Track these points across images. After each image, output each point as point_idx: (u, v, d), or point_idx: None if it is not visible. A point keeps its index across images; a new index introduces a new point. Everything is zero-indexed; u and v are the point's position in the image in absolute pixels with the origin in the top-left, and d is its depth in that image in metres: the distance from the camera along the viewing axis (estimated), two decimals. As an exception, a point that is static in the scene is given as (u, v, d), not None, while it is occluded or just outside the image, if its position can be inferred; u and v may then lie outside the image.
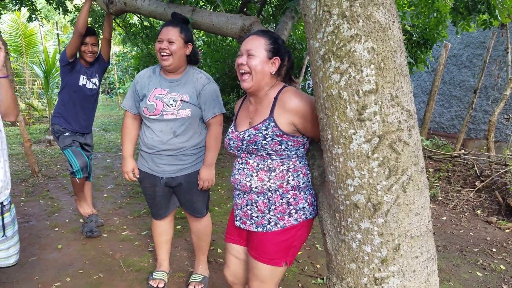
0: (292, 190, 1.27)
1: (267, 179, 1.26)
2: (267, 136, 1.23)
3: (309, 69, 5.74)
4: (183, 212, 3.07)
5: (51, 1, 4.35)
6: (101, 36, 2.82)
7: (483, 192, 3.69)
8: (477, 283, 2.27)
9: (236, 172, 1.35)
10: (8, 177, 1.49)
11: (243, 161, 1.32)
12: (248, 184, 1.29)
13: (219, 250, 2.56)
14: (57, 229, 2.85)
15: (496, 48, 5.31)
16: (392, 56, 0.91)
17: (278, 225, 1.28)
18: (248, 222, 1.33)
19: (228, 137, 1.36)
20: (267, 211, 1.28)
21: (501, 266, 2.48)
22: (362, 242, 1.01)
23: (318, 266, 2.39)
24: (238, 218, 1.39)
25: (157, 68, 1.86)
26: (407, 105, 0.94)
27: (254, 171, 1.28)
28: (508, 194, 3.38)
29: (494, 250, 2.71)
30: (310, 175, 1.32)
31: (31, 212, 3.17)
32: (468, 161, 4.26)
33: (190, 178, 1.87)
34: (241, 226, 1.37)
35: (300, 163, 1.29)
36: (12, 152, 5.47)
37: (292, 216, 1.27)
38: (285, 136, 1.23)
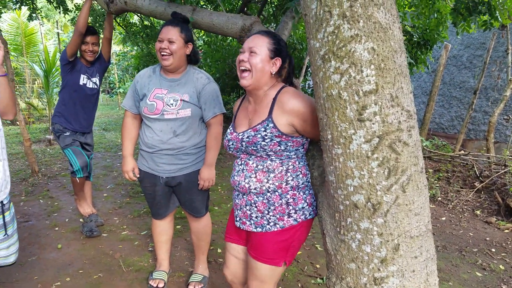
0: (291, 190, 1.27)
1: (265, 180, 1.26)
2: (266, 137, 1.23)
3: (309, 69, 5.74)
4: (183, 212, 3.08)
5: (51, 0, 4.35)
6: (101, 36, 2.82)
7: (482, 193, 3.70)
8: (477, 283, 2.27)
9: (236, 174, 1.35)
10: (7, 176, 1.50)
11: (243, 162, 1.32)
12: (247, 185, 1.29)
13: (219, 250, 2.56)
14: (57, 228, 2.85)
15: (496, 49, 5.31)
16: (392, 57, 0.91)
17: (278, 225, 1.28)
18: (248, 223, 1.33)
19: (227, 138, 1.36)
20: (266, 212, 1.28)
21: (500, 266, 2.48)
22: (361, 242, 1.01)
23: (317, 266, 2.39)
24: (238, 219, 1.39)
25: (157, 68, 1.86)
26: (407, 106, 0.95)
27: (253, 172, 1.28)
28: (508, 194, 3.38)
29: (493, 250, 2.72)
30: (309, 175, 1.32)
31: (31, 212, 3.17)
32: (468, 162, 4.26)
33: (190, 177, 1.87)
34: (241, 226, 1.37)
35: (299, 163, 1.29)
36: (12, 152, 5.47)
37: (292, 217, 1.27)
38: (284, 136, 1.23)
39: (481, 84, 4.81)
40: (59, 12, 4.49)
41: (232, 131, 1.37)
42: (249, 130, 1.27)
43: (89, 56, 2.56)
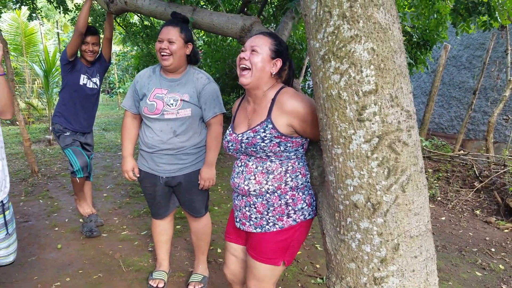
0: (290, 191, 1.27)
1: (265, 182, 1.27)
2: (265, 138, 1.23)
3: (309, 69, 5.74)
4: (182, 212, 3.08)
5: (51, 0, 4.35)
6: (102, 36, 2.82)
7: (482, 193, 3.70)
8: (476, 282, 2.28)
9: (236, 176, 1.35)
10: (6, 175, 1.50)
11: (242, 163, 1.33)
12: (246, 188, 1.30)
13: (219, 250, 2.56)
14: (56, 228, 2.85)
15: (495, 50, 5.32)
16: (392, 57, 0.92)
17: (277, 226, 1.28)
18: (248, 224, 1.34)
19: (226, 139, 1.36)
20: (265, 213, 1.29)
21: (500, 266, 2.48)
22: (361, 242, 1.01)
23: (317, 265, 2.40)
24: (237, 220, 1.39)
25: (157, 68, 1.86)
26: (406, 106, 0.95)
27: (252, 174, 1.28)
28: (507, 194, 3.38)
29: (493, 250, 2.72)
30: (309, 175, 1.32)
31: (30, 212, 3.17)
32: (467, 162, 4.27)
33: (190, 177, 1.87)
34: (241, 227, 1.38)
35: (298, 164, 1.29)
36: (12, 152, 5.47)
37: (291, 217, 1.27)
38: (283, 137, 1.23)
39: (480, 84, 4.81)
40: (59, 12, 4.49)
41: (231, 132, 1.36)
42: (249, 131, 1.27)
43: (89, 56, 2.56)
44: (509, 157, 3.92)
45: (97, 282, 2.13)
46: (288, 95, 1.24)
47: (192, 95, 1.78)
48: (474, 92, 4.79)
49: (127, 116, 1.91)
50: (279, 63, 1.28)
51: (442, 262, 2.52)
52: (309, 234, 2.83)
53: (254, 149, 1.25)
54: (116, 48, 13.59)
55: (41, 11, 5.11)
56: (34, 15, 4.62)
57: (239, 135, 1.30)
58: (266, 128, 1.23)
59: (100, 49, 2.68)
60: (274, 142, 1.23)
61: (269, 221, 1.29)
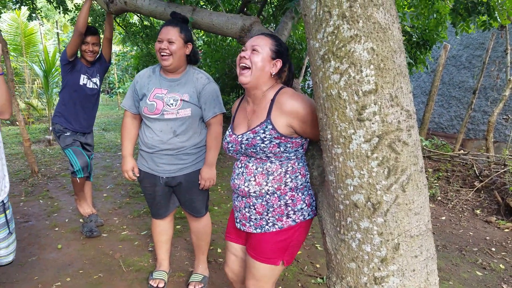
0: (290, 191, 1.27)
1: (264, 183, 1.27)
2: (265, 139, 1.23)
3: (308, 69, 5.74)
4: (182, 212, 3.08)
5: (51, 0, 4.35)
6: (102, 36, 2.82)
7: (482, 192, 3.70)
8: (477, 282, 2.28)
9: (236, 177, 1.35)
10: (5, 175, 1.51)
11: (242, 164, 1.33)
12: (246, 189, 1.30)
13: (219, 250, 2.57)
14: (56, 229, 2.85)
15: (495, 49, 5.32)
16: (392, 57, 0.92)
17: (276, 226, 1.28)
18: (248, 224, 1.34)
19: (226, 140, 1.36)
20: (265, 214, 1.29)
21: (501, 265, 2.49)
22: (361, 242, 1.01)
23: (317, 265, 2.40)
24: (238, 220, 1.40)
25: (156, 68, 1.86)
26: (406, 105, 0.95)
27: (252, 175, 1.29)
28: (507, 194, 3.38)
29: (493, 249, 2.72)
30: (308, 175, 1.32)
31: (30, 212, 3.17)
32: (467, 161, 4.27)
33: (190, 177, 1.88)
34: (241, 228, 1.38)
35: (298, 164, 1.29)
36: (12, 152, 5.47)
37: (290, 217, 1.28)
38: (283, 138, 1.23)
39: (480, 84, 4.81)
40: (59, 12, 4.49)
41: (231, 133, 1.36)
42: (248, 132, 1.27)
43: (89, 56, 2.56)
44: (509, 157, 3.92)
45: (98, 282, 2.13)
46: (287, 96, 1.24)
47: (192, 95, 1.78)
48: (474, 92, 4.79)
49: (126, 116, 1.91)
50: (279, 63, 1.28)
51: (443, 262, 2.52)
52: (309, 233, 2.83)
53: (254, 150, 1.25)
54: (115, 48, 13.60)
55: (41, 11, 5.11)
56: (34, 15, 4.62)
57: (239, 136, 1.30)
58: (266, 129, 1.23)
59: (100, 49, 2.68)
60: (274, 143, 1.23)
61: (269, 221, 1.29)
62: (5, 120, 1.61)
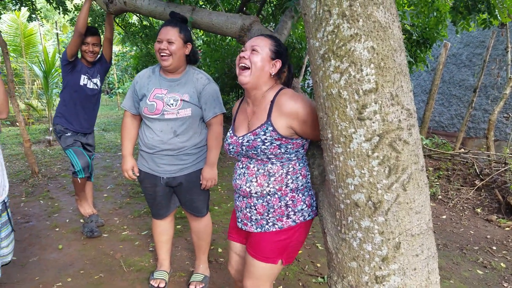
0: (290, 192, 1.28)
1: (266, 184, 1.27)
2: (266, 141, 1.23)
3: (308, 68, 5.74)
4: (183, 212, 3.08)
5: (51, 1, 4.35)
6: (102, 36, 2.82)
7: (483, 191, 3.70)
8: (478, 281, 2.28)
9: (237, 177, 1.36)
10: (4, 175, 1.53)
11: (244, 165, 1.33)
12: (248, 189, 1.31)
13: (220, 250, 2.57)
14: (57, 229, 2.85)
15: (495, 47, 5.31)
16: (392, 55, 0.91)
17: (276, 226, 1.29)
18: (249, 224, 1.35)
19: (227, 142, 1.37)
20: (266, 214, 1.30)
21: (502, 264, 2.48)
22: (362, 241, 1.01)
23: (318, 265, 2.40)
24: (239, 220, 1.41)
25: (156, 68, 1.86)
26: (407, 104, 0.95)
27: (254, 176, 1.29)
28: (508, 192, 3.38)
29: (494, 248, 2.72)
30: (309, 176, 1.32)
31: (31, 213, 3.17)
32: (468, 160, 4.26)
33: (191, 177, 1.87)
34: (243, 227, 1.39)
35: (299, 165, 1.30)
36: (12, 153, 5.47)
37: (290, 218, 1.28)
38: (284, 139, 1.23)
39: (480, 82, 4.81)
40: (59, 13, 4.48)
41: (232, 134, 1.37)
42: (249, 134, 1.27)
43: (89, 57, 2.55)
44: (510, 155, 3.92)
45: (98, 282, 2.13)
46: (287, 97, 1.24)
47: (192, 95, 1.78)
48: (475, 90, 4.79)
49: (126, 116, 1.91)
50: (278, 64, 1.28)
51: (443, 261, 2.51)
52: (309, 233, 2.83)
53: (255, 152, 1.26)
54: (115, 48, 13.60)
55: (40, 12, 5.11)
56: (33, 16, 4.62)
57: (240, 138, 1.30)
58: (267, 131, 1.23)
59: (101, 49, 2.67)
60: (275, 144, 1.23)
61: (269, 221, 1.30)
62: (5, 120, 1.62)
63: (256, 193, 1.29)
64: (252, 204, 1.32)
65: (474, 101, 4.82)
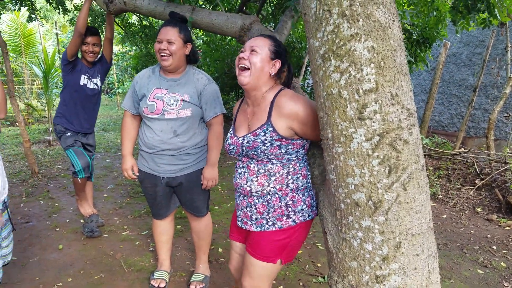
0: (291, 192, 1.28)
1: (266, 184, 1.28)
2: (266, 142, 1.23)
3: (308, 68, 5.74)
4: (183, 212, 3.08)
5: (50, 1, 4.35)
6: (102, 36, 2.81)
7: (483, 190, 3.70)
8: (478, 280, 2.28)
9: (238, 176, 1.36)
10: (4, 176, 1.53)
11: (244, 165, 1.33)
12: (248, 188, 1.31)
13: (220, 250, 2.57)
14: (57, 229, 2.85)
15: (495, 47, 5.31)
16: (392, 55, 0.91)
17: (276, 225, 1.30)
18: (249, 223, 1.36)
19: (227, 142, 1.37)
20: (266, 213, 1.30)
21: (502, 263, 2.48)
22: (363, 240, 1.01)
23: (319, 264, 2.40)
24: (239, 219, 1.41)
25: (156, 68, 1.86)
26: (407, 104, 0.95)
27: (255, 175, 1.29)
28: (508, 191, 3.38)
29: (494, 247, 2.72)
30: (309, 176, 1.33)
31: (31, 213, 3.17)
32: (468, 159, 4.26)
33: (191, 177, 1.87)
34: (243, 226, 1.39)
35: (299, 165, 1.30)
36: (12, 153, 5.47)
37: (290, 218, 1.29)
38: (284, 140, 1.23)
39: (480, 81, 4.81)
40: (59, 13, 4.48)
41: (232, 135, 1.37)
42: (249, 135, 1.27)
43: (89, 57, 2.55)
44: (510, 155, 3.92)
45: (99, 282, 2.13)
46: (286, 98, 1.23)
47: (193, 95, 1.78)
48: (474, 90, 4.79)
49: (126, 116, 1.92)
50: (278, 64, 1.28)
51: (444, 260, 2.52)
52: (310, 233, 2.83)
53: (255, 153, 1.26)
54: (115, 48, 13.58)
55: (40, 12, 5.10)
56: (33, 16, 4.62)
57: (240, 139, 1.31)
58: (267, 132, 1.23)
59: (101, 49, 2.67)
60: (275, 145, 1.23)
61: (269, 220, 1.30)
62: (5, 121, 1.63)
63: (256, 192, 1.30)
64: (252, 203, 1.32)
65: (474, 100, 4.82)
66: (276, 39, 1.32)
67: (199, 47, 6.71)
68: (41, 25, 5.97)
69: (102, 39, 2.70)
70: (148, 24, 5.66)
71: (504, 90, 4.31)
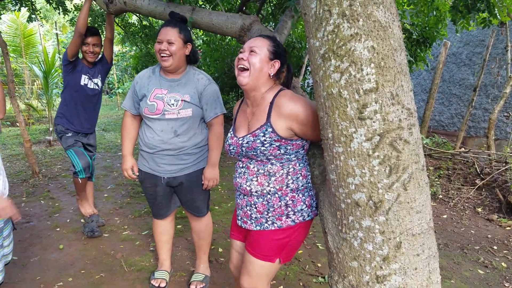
0: (290, 192, 1.28)
1: (266, 184, 1.28)
2: (265, 142, 1.23)
3: (308, 68, 5.74)
4: (183, 212, 3.08)
5: (50, 1, 4.35)
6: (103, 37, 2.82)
7: (483, 190, 3.70)
8: (479, 281, 2.27)
9: (238, 176, 1.37)
10: (4, 175, 1.54)
11: (244, 165, 1.34)
12: (248, 188, 1.31)
13: (220, 249, 2.57)
14: (58, 229, 2.85)
15: (495, 46, 5.31)
16: (392, 55, 0.91)
17: (275, 224, 1.30)
18: (249, 222, 1.36)
19: (228, 143, 1.38)
20: (265, 212, 1.31)
21: (503, 263, 2.48)
22: (363, 240, 1.01)
23: (319, 265, 2.40)
24: (239, 218, 1.42)
25: (156, 68, 1.86)
26: (407, 104, 0.95)
27: (255, 175, 1.30)
28: (509, 191, 3.38)
29: (495, 247, 2.72)
30: (309, 176, 1.33)
31: (32, 213, 3.17)
32: (468, 159, 4.26)
33: (191, 177, 1.88)
34: (242, 225, 1.40)
35: (299, 165, 1.30)
36: (12, 153, 5.48)
37: (290, 217, 1.29)
38: (283, 140, 1.23)
39: (480, 81, 4.80)
40: (59, 13, 4.48)
41: (232, 135, 1.38)
42: (249, 136, 1.28)
43: (90, 57, 2.55)
44: (511, 154, 3.92)
45: (99, 282, 2.13)
46: (286, 98, 1.23)
47: (193, 95, 1.78)
48: (475, 89, 4.79)
49: (127, 116, 1.92)
50: (277, 64, 1.28)
51: (444, 260, 2.51)
52: (310, 233, 2.83)
53: (254, 153, 1.26)
54: (115, 48, 13.55)
55: (40, 12, 5.10)
56: (33, 16, 4.62)
57: (240, 139, 1.31)
58: (266, 132, 1.23)
59: (101, 50, 2.67)
60: (274, 145, 1.23)
61: (268, 219, 1.31)
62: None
63: (256, 192, 1.30)
64: (252, 202, 1.32)
65: (474, 100, 4.82)
66: (275, 40, 1.32)
67: (199, 47, 6.71)
68: (41, 26, 5.98)
69: (103, 39, 2.70)
70: (148, 24, 5.66)
71: (504, 89, 4.31)
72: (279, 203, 1.28)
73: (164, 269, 2.15)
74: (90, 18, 5.10)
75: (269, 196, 1.29)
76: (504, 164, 3.85)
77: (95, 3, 2.71)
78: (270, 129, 1.23)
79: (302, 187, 1.30)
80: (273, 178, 1.27)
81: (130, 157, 1.90)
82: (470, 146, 5.48)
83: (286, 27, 2.21)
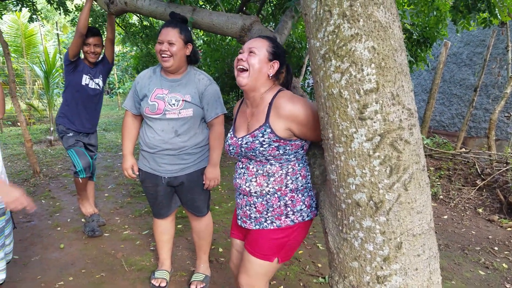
0: (290, 193, 1.29)
1: (265, 184, 1.28)
2: (264, 143, 1.23)
3: (308, 68, 5.74)
4: (184, 211, 3.08)
5: (51, 1, 4.35)
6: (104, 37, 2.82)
7: (484, 191, 3.69)
8: (480, 281, 2.27)
9: (237, 176, 1.37)
10: (5, 175, 1.55)
11: (244, 165, 1.34)
12: (247, 189, 1.32)
13: (220, 249, 2.57)
14: (59, 228, 2.86)
15: (496, 46, 5.30)
16: (393, 55, 0.92)
17: (274, 224, 1.30)
18: (248, 221, 1.37)
19: (227, 143, 1.38)
20: (265, 212, 1.31)
21: (504, 264, 2.48)
22: (364, 241, 1.01)
23: (319, 265, 2.40)
24: (239, 217, 1.42)
25: (157, 68, 1.87)
26: (408, 104, 0.95)
27: (254, 176, 1.30)
28: (510, 192, 3.38)
29: (496, 248, 2.72)
30: (309, 176, 1.33)
31: (33, 212, 3.18)
32: (469, 160, 4.26)
33: (192, 177, 1.88)
34: (242, 225, 1.40)
35: (298, 165, 1.30)
36: (14, 153, 5.49)
37: (289, 217, 1.29)
38: (282, 141, 1.23)
39: (481, 81, 4.80)
40: (59, 13, 4.49)
41: (232, 135, 1.38)
42: (248, 136, 1.28)
43: (91, 58, 2.56)
44: (511, 155, 3.91)
45: (100, 282, 2.13)
46: (284, 99, 1.23)
47: (194, 96, 1.79)
48: (475, 89, 4.78)
49: (127, 116, 1.92)
50: (276, 65, 1.29)
51: (445, 261, 2.51)
52: (310, 233, 2.83)
53: (253, 154, 1.27)
54: (115, 48, 13.56)
55: (41, 13, 5.11)
56: (34, 16, 4.63)
57: (239, 140, 1.31)
58: (265, 133, 1.23)
59: (103, 50, 2.68)
60: (273, 146, 1.24)
61: (268, 219, 1.31)
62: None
63: (255, 192, 1.31)
64: (252, 202, 1.33)
65: (475, 100, 4.81)
66: (275, 40, 1.32)
67: (200, 47, 6.72)
68: (42, 26, 5.98)
69: (104, 39, 2.70)
70: (148, 25, 5.67)
71: (505, 89, 4.31)
72: (279, 203, 1.29)
73: (164, 268, 2.15)
74: (91, 18, 5.10)
75: (268, 196, 1.29)
76: (505, 164, 3.85)
77: (96, 3, 2.71)
78: (268, 130, 1.23)
79: (302, 187, 1.30)
80: (272, 179, 1.28)
81: (130, 157, 1.91)
82: (471, 146, 5.48)
83: (287, 27, 2.21)
